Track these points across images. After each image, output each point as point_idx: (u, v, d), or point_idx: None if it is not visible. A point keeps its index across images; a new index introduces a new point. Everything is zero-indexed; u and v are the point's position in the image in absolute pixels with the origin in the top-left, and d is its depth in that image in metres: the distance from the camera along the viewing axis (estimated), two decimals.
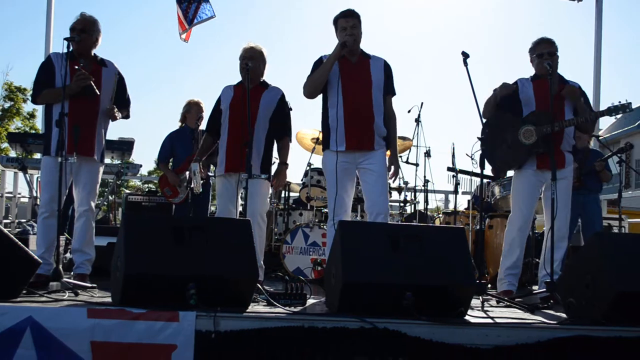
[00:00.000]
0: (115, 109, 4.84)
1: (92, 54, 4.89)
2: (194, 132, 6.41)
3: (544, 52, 4.95)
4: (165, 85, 58.86)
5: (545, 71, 4.81)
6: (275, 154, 5.19)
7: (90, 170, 4.83)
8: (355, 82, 4.75)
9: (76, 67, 4.58)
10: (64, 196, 4.50)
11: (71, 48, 4.52)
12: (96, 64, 4.86)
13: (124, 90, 5.02)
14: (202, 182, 5.31)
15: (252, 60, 4.92)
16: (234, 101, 4.97)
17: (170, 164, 6.59)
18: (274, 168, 5.18)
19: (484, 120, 4.89)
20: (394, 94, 4.96)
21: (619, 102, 4.94)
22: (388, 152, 4.91)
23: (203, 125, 6.21)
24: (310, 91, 4.80)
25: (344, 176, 4.73)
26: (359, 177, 4.85)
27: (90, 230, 4.88)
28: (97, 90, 4.67)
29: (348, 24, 4.75)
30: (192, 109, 6.51)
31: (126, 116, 5.08)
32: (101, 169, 4.98)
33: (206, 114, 6.05)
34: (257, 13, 62.52)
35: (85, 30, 4.74)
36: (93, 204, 4.89)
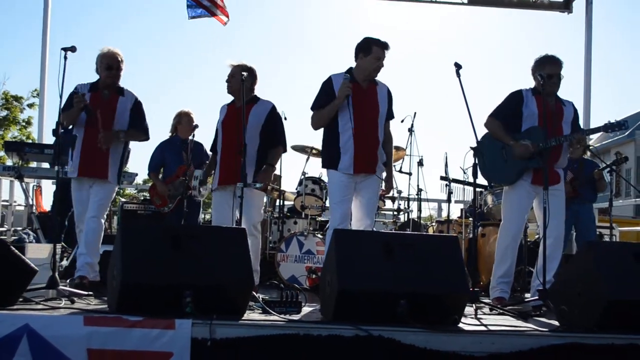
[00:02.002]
0: (119, 133, 5.10)
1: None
2: (185, 142, 6.41)
3: (553, 73, 4.93)
4: (162, 94, 58.79)
5: (551, 92, 4.91)
6: None
7: (104, 187, 5.13)
8: (365, 109, 4.92)
9: (76, 93, 4.94)
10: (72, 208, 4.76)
11: (65, 64, 4.57)
12: (114, 93, 5.17)
13: (138, 116, 5.27)
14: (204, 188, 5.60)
15: (236, 77, 5.02)
16: (226, 119, 5.18)
17: (161, 174, 6.65)
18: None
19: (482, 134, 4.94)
20: (393, 118, 5.19)
21: (615, 120, 4.95)
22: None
23: (197, 137, 6.45)
24: (319, 127, 5.04)
25: (347, 192, 4.94)
26: (354, 193, 5.01)
27: (96, 239, 5.09)
28: (92, 111, 4.95)
29: (384, 55, 4.92)
30: (182, 120, 6.56)
31: (144, 139, 5.37)
32: (115, 189, 5.30)
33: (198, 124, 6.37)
34: (255, 23, 62.61)
35: (119, 68, 5.14)
36: (103, 215, 5.18)
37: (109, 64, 5.07)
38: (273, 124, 5.21)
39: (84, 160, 5.02)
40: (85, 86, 5.13)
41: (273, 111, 5.22)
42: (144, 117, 5.31)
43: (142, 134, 5.31)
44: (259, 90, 5.30)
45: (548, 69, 4.95)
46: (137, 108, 5.25)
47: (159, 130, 5.32)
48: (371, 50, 4.89)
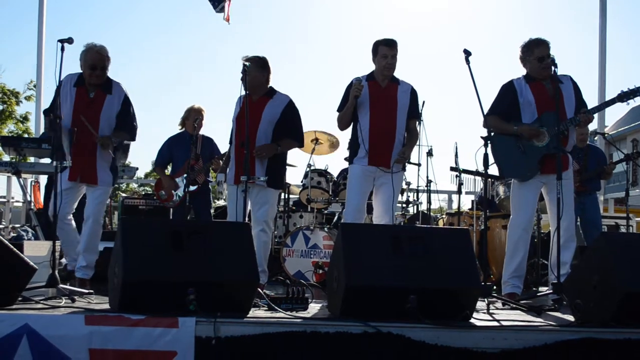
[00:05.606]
0: (109, 142, 4.86)
1: None
2: (193, 137, 6.37)
3: (544, 55, 4.82)
4: (163, 88, 58.81)
5: (547, 74, 4.74)
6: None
7: (96, 191, 4.94)
8: (382, 106, 5.12)
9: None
10: (61, 203, 4.55)
11: (62, 56, 4.37)
12: (101, 91, 4.89)
13: (126, 116, 5.01)
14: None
15: (250, 71, 4.85)
16: (240, 113, 4.99)
17: (170, 168, 6.69)
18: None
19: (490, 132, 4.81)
20: (418, 118, 5.45)
21: (628, 88, 4.74)
22: None
23: (204, 131, 6.61)
24: (341, 126, 5.32)
25: (363, 184, 5.15)
26: (374, 188, 5.21)
27: (94, 237, 4.95)
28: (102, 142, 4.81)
29: (391, 52, 5.09)
30: (190, 115, 6.56)
31: (130, 139, 5.16)
32: (108, 190, 5.07)
33: (206, 121, 6.53)
34: (264, 18, 62.32)
35: (104, 67, 4.87)
36: (100, 215, 5.02)
37: (93, 63, 4.80)
38: (290, 119, 5.11)
39: (74, 166, 4.80)
40: (73, 77, 4.87)
41: (290, 105, 5.11)
42: (131, 117, 5.06)
43: (128, 135, 5.09)
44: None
45: (537, 52, 4.86)
46: (125, 107, 4.99)
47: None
48: (377, 51, 5.12)
